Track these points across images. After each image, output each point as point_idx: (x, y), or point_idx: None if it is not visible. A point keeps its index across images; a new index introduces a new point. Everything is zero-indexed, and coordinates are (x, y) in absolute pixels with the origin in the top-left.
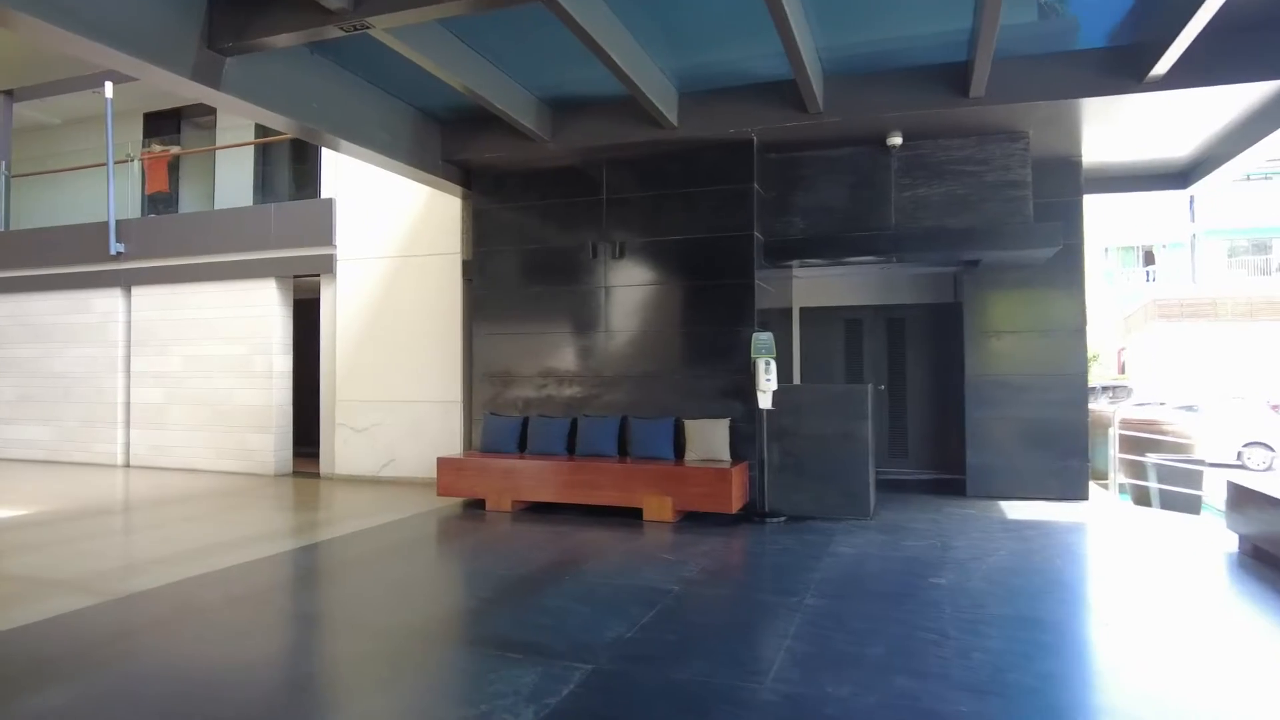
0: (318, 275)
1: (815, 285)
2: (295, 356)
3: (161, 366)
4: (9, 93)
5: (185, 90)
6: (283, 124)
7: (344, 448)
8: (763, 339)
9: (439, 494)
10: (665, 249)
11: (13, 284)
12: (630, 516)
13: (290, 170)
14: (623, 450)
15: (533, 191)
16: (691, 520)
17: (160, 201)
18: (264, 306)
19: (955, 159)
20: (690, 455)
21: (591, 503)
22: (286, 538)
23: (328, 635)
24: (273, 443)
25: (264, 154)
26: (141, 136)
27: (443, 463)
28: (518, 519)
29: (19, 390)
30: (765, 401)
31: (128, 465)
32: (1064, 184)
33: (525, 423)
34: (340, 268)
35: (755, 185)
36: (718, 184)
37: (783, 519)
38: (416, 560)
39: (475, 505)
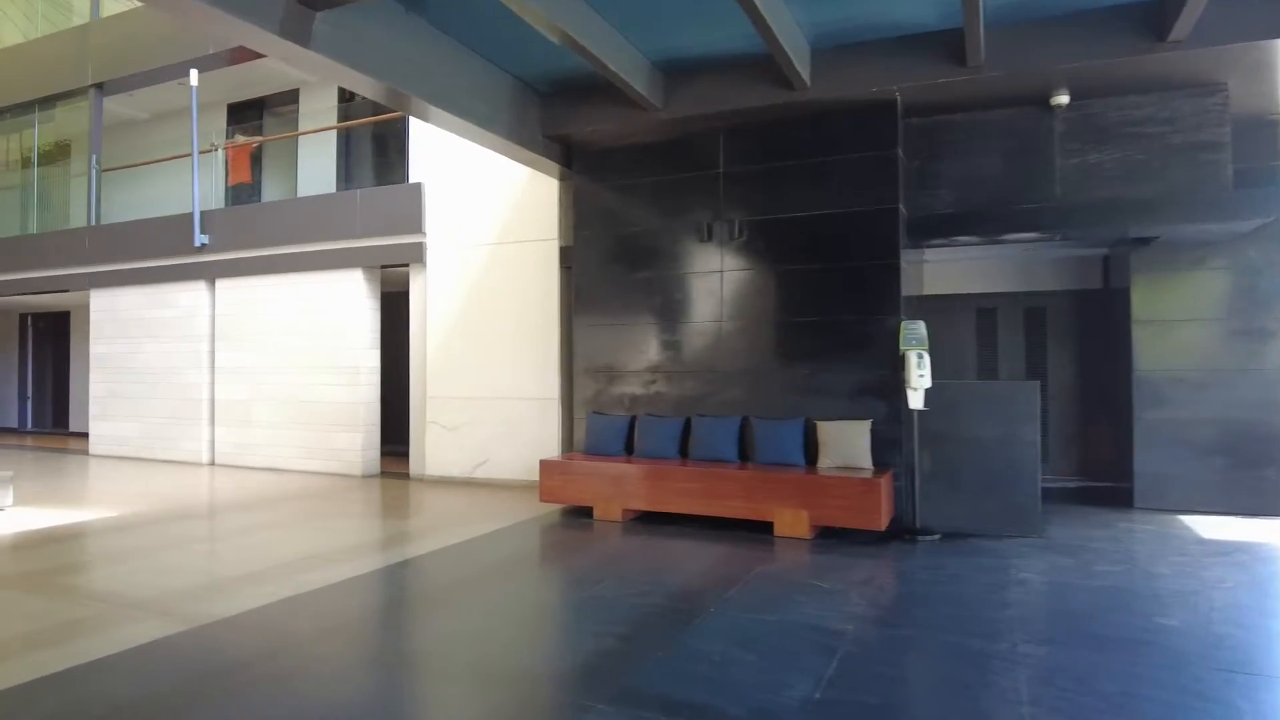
0: (406, 265)
1: (942, 270)
2: (383, 351)
3: (246, 362)
4: (99, 86)
5: (273, 49)
6: (374, 89)
7: (435, 447)
8: (914, 329)
9: (542, 500)
10: (791, 227)
11: (103, 278)
12: (757, 530)
13: (374, 157)
14: (743, 455)
15: (640, 168)
16: (830, 537)
17: (243, 193)
18: (350, 298)
19: (1133, 119)
20: (824, 462)
21: (713, 514)
22: (379, 551)
23: (440, 683)
24: (360, 442)
25: (347, 142)
26: (225, 127)
27: (546, 466)
28: (630, 530)
29: (109, 386)
30: (916, 401)
31: (213, 464)
32: (1260, 146)
33: (633, 422)
34: (430, 256)
35: (899, 152)
36: (854, 151)
37: (937, 536)
38: (529, 581)
39: (580, 513)
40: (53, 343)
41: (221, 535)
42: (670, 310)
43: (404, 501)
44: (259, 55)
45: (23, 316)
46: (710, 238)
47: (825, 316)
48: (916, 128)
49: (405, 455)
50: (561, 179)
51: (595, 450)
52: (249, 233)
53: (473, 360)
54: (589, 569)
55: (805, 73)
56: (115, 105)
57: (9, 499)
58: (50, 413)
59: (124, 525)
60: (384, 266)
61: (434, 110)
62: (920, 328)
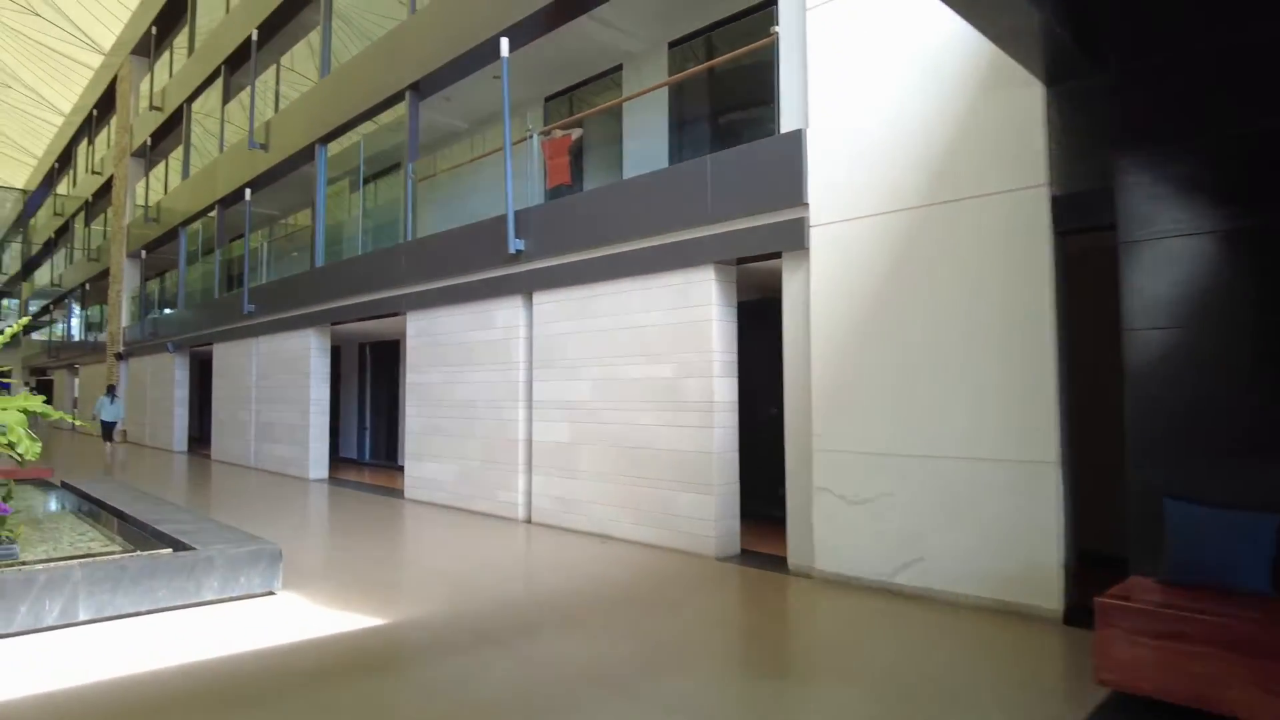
0: (777, 256)
1: None
2: (740, 380)
3: (567, 393)
4: (415, 87)
5: None
6: None
7: (830, 527)
8: None
9: (1100, 678)
10: None
11: (417, 299)
12: None
13: (715, 125)
14: None
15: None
16: None
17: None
18: (698, 308)
19: None
20: None
21: None
22: None
23: None
24: (713, 508)
25: (680, 119)
26: (543, 117)
27: (1112, 615)
28: None
29: (424, 420)
30: None
31: (529, 521)
32: None
33: None
34: (814, 238)
35: None
36: None
37: None
38: None
39: (1163, 710)
40: (386, 373)
41: (519, 707)
42: None
43: (790, 634)
44: (576, 12)
45: (361, 346)
46: None
47: None
48: None
49: (770, 523)
50: (1051, 81)
51: (1192, 574)
52: (569, 232)
53: (888, 394)
54: None
55: None
56: (435, 115)
57: (277, 581)
58: (384, 445)
59: (397, 655)
60: (742, 261)
61: None
62: None
